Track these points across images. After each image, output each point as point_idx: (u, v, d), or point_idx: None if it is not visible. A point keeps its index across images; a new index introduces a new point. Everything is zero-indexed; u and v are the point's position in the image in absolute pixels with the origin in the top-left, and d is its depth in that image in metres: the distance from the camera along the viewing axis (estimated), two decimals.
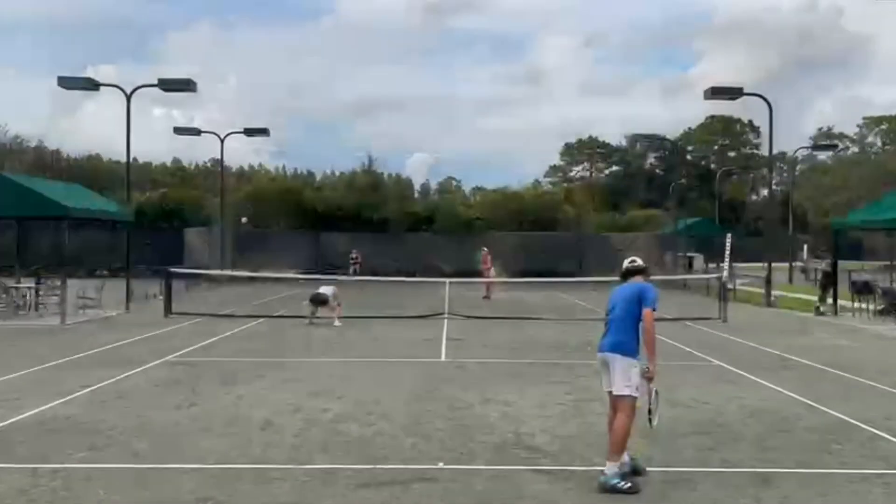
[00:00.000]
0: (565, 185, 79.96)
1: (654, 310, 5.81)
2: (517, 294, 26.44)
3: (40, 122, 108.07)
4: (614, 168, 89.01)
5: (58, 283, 18.16)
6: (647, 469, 6.13)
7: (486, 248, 26.99)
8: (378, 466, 6.24)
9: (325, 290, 17.24)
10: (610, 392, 6.02)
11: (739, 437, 7.27)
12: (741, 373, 10.92)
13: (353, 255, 33.84)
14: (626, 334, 5.88)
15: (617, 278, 6.45)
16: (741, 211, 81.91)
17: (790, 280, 36.52)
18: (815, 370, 11.32)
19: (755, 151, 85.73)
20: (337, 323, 16.54)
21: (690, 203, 71.45)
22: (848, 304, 19.79)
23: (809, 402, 8.88)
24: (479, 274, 27.17)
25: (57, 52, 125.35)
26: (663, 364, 11.31)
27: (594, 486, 5.74)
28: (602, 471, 5.77)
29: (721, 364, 11.73)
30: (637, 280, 6.12)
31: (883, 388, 9.87)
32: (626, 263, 6.27)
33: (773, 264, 24.66)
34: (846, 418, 8.10)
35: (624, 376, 5.84)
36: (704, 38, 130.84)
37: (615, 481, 5.63)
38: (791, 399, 9.12)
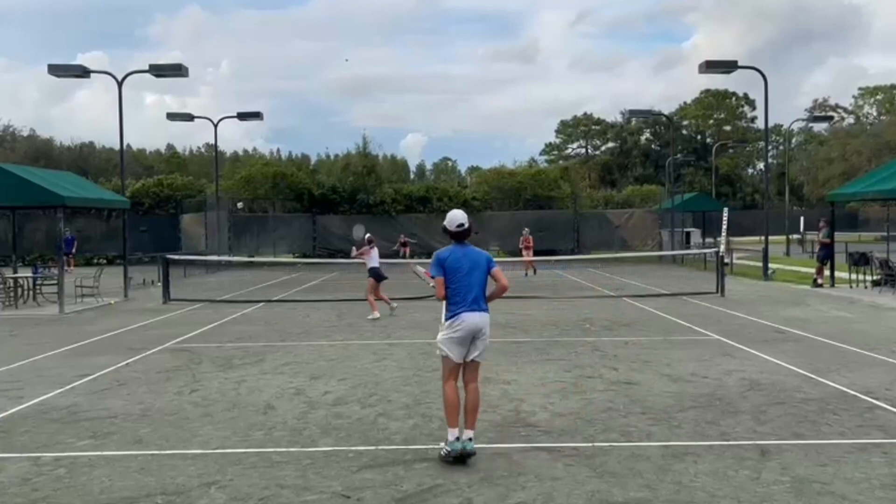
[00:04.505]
0: (561, 162, 79.84)
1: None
2: (515, 273, 26.45)
3: (32, 112, 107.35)
4: (610, 144, 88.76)
5: (55, 271, 18.13)
6: (648, 444, 6.18)
7: (527, 229, 27.92)
8: (380, 447, 6.27)
9: (357, 230, 14.77)
10: (463, 362, 5.98)
11: (739, 410, 7.30)
12: (740, 346, 10.97)
13: (402, 240, 32.32)
14: (485, 300, 6.08)
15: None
16: (737, 185, 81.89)
17: (787, 253, 36.59)
18: (812, 342, 11.37)
19: (751, 125, 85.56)
20: (376, 314, 14.57)
21: (686, 178, 71.43)
22: (845, 275, 19.82)
23: (808, 374, 8.93)
24: (519, 254, 28.35)
25: (47, 41, 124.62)
26: (662, 339, 11.48)
27: (595, 463, 5.77)
28: (470, 438, 5.82)
29: (719, 338, 11.77)
30: (469, 243, 6.13)
31: (881, 359, 9.92)
32: (456, 226, 6.01)
33: (770, 237, 24.67)
34: (844, 389, 8.15)
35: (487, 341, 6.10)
36: (697, 11, 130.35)
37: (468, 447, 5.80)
38: (790, 371, 9.16)
